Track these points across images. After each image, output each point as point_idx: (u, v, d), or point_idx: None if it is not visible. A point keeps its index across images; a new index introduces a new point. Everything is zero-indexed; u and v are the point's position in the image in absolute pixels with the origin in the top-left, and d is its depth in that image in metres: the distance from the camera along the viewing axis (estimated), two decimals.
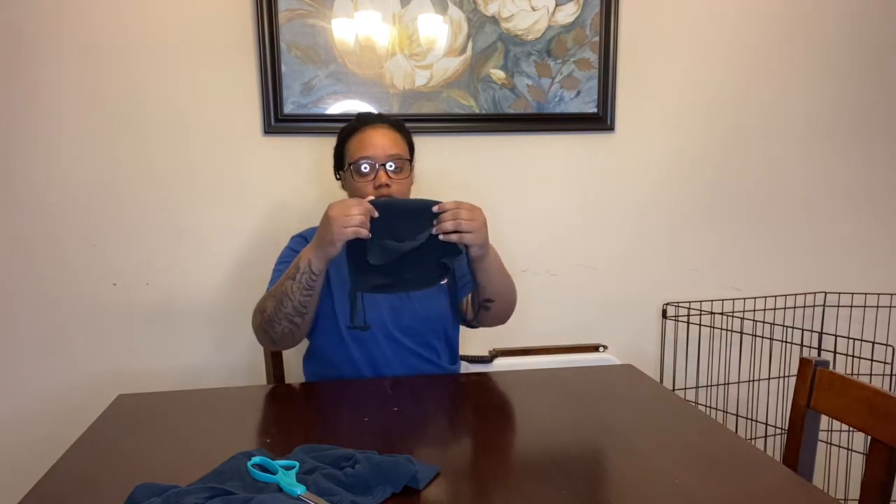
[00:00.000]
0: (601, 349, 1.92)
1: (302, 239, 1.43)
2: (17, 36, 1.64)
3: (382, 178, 1.33)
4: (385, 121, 1.41)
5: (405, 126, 1.45)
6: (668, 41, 1.91)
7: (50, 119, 1.68)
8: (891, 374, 1.76)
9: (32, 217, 1.71)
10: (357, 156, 1.35)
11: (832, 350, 1.93)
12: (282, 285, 1.25)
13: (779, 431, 2.06)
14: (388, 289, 1.20)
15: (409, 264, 1.19)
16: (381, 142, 1.35)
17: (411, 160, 1.41)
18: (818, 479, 2.02)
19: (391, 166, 1.35)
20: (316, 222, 1.50)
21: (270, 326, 1.27)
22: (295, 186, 1.80)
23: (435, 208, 1.19)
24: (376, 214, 1.17)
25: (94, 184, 1.72)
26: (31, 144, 1.68)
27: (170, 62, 1.70)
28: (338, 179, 1.47)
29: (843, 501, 2.00)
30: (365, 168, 1.34)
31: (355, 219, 1.15)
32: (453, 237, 1.18)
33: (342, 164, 1.42)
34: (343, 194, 1.47)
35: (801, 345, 2.01)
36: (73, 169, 1.70)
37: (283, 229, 1.72)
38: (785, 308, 2.07)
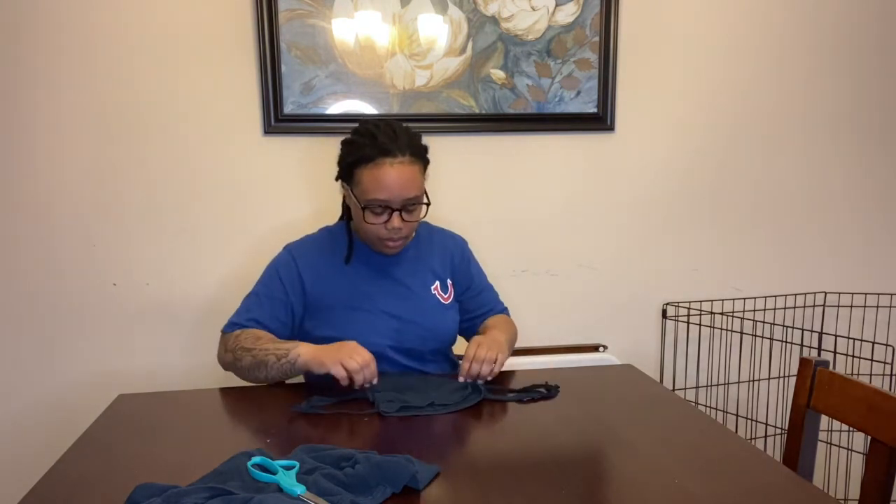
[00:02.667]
0: (601, 349, 1.91)
1: (290, 257, 1.36)
2: (17, 37, 1.64)
3: (396, 222, 1.26)
4: (404, 151, 1.25)
5: (423, 147, 1.32)
6: (668, 41, 1.91)
7: (50, 119, 1.68)
8: (891, 374, 1.76)
9: (32, 217, 1.71)
10: (371, 195, 1.25)
11: (832, 350, 1.92)
12: (264, 354, 1.23)
13: (779, 431, 2.06)
14: (417, 411, 1.13)
15: (437, 396, 1.18)
16: (398, 183, 1.24)
17: (427, 174, 1.34)
18: (818, 479, 2.01)
19: (406, 208, 1.28)
20: (316, 224, 1.50)
21: (239, 374, 1.29)
22: (295, 186, 1.80)
23: (461, 378, 1.24)
24: (375, 381, 1.20)
25: (94, 184, 1.72)
26: (31, 144, 1.68)
27: (170, 62, 1.70)
28: (336, 181, 1.36)
29: (843, 501, 2.00)
30: (378, 211, 1.26)
31: (352, 368, 1.16)
32: (499, 366, 1.24)
33: (349, 180, 1.31)
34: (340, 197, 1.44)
35: (801, 345, 2.01)
36: (72, 169, 1.71)
37: (283, 229, 1.72)
38: (785, 308, 2.07)
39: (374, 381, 1.19)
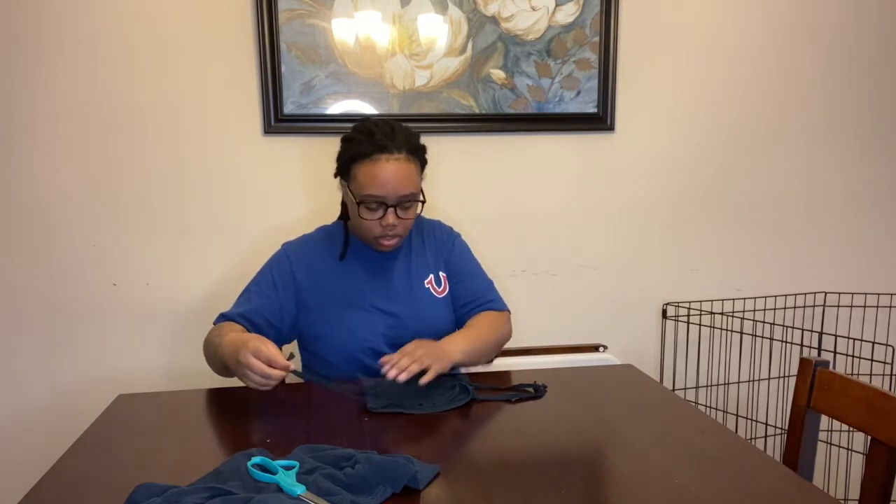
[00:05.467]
0: (601, 349, 1.92)
1: (285, 256, 1.37)
2: (17, 37, 1.64)
3: (391, 219, 1.27)
4: (400, 148, 1.27)
5: (420, 147, 1.33)
6: (668, 41, 1.91)
7: (50, 119, 1.68)
8: (891, 374, 1.76)
9: (33, 217, 1.71)
10: (366, 191, 1.26)
11: (832, 350, 1.93)
12: (213, 346, 1.24)
13: (779, 431, 2.06)
14: (402, 409, 1.14)
15: (425, 395, 1.17)
16: (394, 179, 1.25)
17: (423, 175, 1.35)
18: (818, 479, 2.02)
19: (402, 205, 1.28)
20: (315, 223, 1.50)
21: (209, 364, 1.30)
22: (294, 186, 1.80)
23: (384, 370, 1.15)
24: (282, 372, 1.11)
25: (95, 184, 1.72)
26: (30, 145, 1.68)
27: (170, 62, 1.70)
28: (336, 178, 1.38)
29: (843, 501, 2.00)
30: (374, 207, 1.27)
31: (259, 380, 1.10)
32: (430, 376, 1.16)
33: (346, 176, 1.32)
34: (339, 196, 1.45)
35: (801, 345, 2.01)
36: (72, 169, 1.71)
37: (283, 229, 1.72)
38: (785, 308, 2.07)
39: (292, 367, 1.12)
